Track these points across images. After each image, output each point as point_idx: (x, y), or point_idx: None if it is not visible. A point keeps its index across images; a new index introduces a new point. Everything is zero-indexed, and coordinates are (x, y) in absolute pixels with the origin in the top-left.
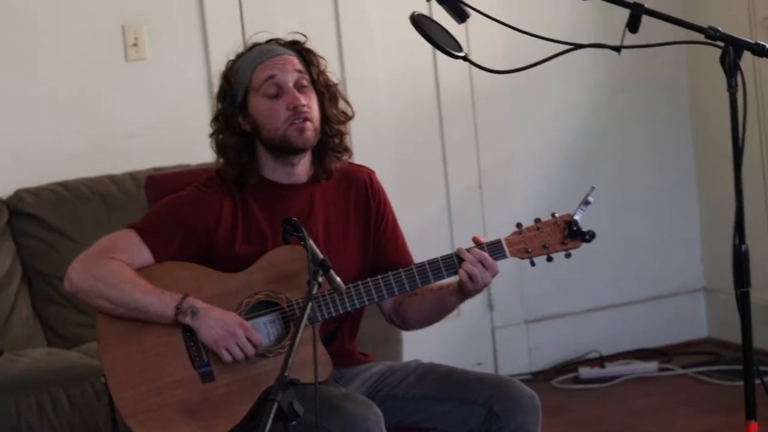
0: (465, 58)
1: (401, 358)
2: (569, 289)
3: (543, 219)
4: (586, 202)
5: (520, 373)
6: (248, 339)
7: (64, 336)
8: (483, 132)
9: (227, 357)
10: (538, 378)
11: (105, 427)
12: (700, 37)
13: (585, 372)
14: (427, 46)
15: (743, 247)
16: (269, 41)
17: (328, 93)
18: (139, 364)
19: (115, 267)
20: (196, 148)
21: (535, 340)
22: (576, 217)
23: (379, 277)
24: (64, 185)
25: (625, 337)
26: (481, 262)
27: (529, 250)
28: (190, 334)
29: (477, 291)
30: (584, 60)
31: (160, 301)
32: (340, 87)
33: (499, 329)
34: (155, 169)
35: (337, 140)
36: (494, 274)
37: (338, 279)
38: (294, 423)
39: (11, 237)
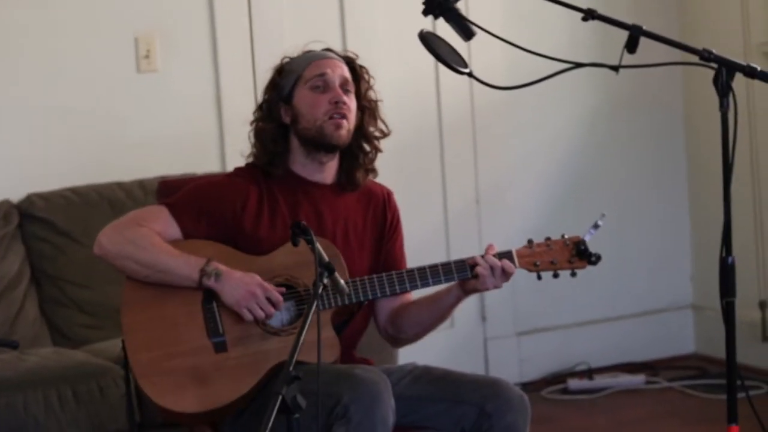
0: (470, 75)
1: (397, 364)
2: (560, 302)
3: (553, 238)
4: (596, 226)
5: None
6: (268, 299)
7: (69, 337)
8: (482, 149)
9: (248, 316)
10: (528, 389)
11: (108, 424)
12: (695, 58)
13: (574, 383)
14: (430, 63)
15: (729, 258)
16: (325, 50)
17: (369, 108)
18: (157, 330)
19: (145, 232)
20: (202, 157)
21: (526, 352)
22: (585, 239)
23: (393, 272)
24: (75, 191)
25: (614, 350)
26: (493, 270)
27: (538, 263)
28: (208, 306)
29: (483, 290)
30: (582, 80)
31: (185, 264)
32: (381, 106)
33: (491, 340)
34: (162, 178)
35: (369, 156)
36: (506, 280)
37: (342, 282)
38: (297, 416)
39: (21, 240)
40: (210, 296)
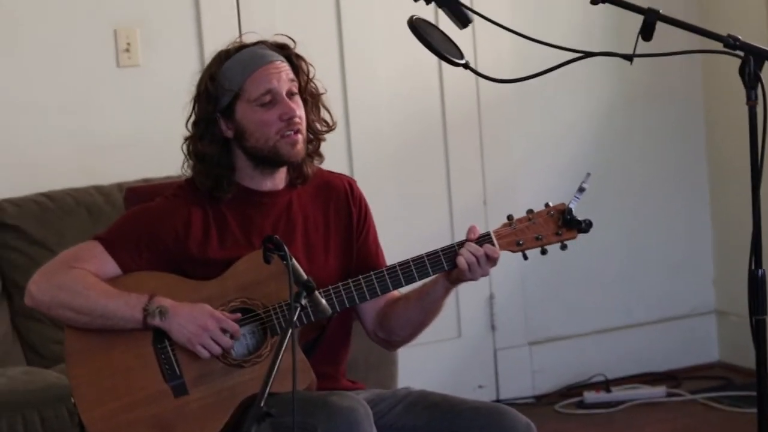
0: (466, 66)
1: (396, 382)
2: (575, 310)
3: (536, 210)
4: (581, 189)
5: (523, 396)
6: (223, 330)
7: (43, 354)
8: (489, 146)
9: (204, 354)
10: (542, 402)
11: None
12: (719, 46)
13: (590, 396)
14: (433, 56)
15: (760, 271)
16: (258, 43)
17: (312, 101)
18: (108, 380)
19: (78, 274)
20: None
21: (538, 363)
22: (571, 206)
23: (361, 277)
24: (49, 196)
25: (633, 360)
26: (477, 259)
27: (521, 242)
28: (161, 346)
29: (470, 280)
30: (596, 71)
31: (126, 304)
32: (324, 97)
33: (501, 351)
34: (145, 180)
35: (314, 145)
36: (492, 266)
37: (324, 301)
38: None
39: None
40: (160, 334)
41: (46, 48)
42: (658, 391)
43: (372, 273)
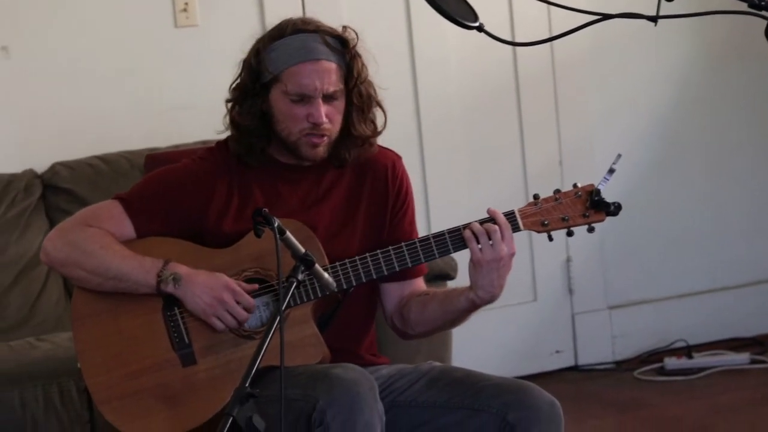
0: (479, 29)
1: (449, 352)
2: (656, 273)
3: (564, 190)
4: (611, 171)
5: (602, 362)
6: (239, 302)
7: None
8: (564, 105)
9: (219, 326)
10: (621, 368)
11: None
12: (743, 6)
13: (671, 363)
14: (505, 11)
15: None
16: (316, 31)
17: (359, 104)
18: (115, 346)
19: (94, 233)
20: None
21: (618, 328)
22: (599, 187)
23: (379, 251)
24: (103, 159)
25: (716, 325)
26: (489, 235)
27: (546, 222)
28: (170, 313)
29: (489, 285)
30: (673, 30)
31: (140, 267)
32: (379, 98)
33: (579, 315)
34: (202, 143)
35: (359, 141)
36: (511, 251)
37: (326, 275)
38: None
39: (44, 213)
40: (171, 302)
41: (103, 8)
42: (742, 358)
43: (378, 251)
